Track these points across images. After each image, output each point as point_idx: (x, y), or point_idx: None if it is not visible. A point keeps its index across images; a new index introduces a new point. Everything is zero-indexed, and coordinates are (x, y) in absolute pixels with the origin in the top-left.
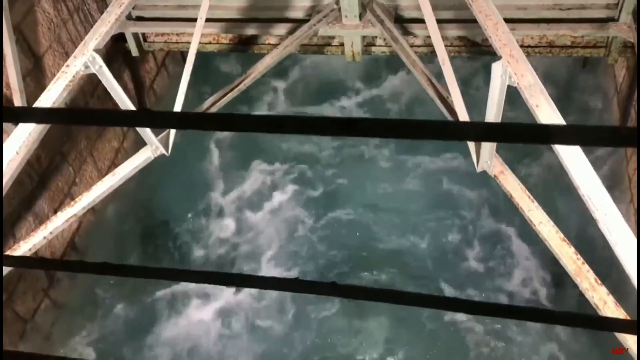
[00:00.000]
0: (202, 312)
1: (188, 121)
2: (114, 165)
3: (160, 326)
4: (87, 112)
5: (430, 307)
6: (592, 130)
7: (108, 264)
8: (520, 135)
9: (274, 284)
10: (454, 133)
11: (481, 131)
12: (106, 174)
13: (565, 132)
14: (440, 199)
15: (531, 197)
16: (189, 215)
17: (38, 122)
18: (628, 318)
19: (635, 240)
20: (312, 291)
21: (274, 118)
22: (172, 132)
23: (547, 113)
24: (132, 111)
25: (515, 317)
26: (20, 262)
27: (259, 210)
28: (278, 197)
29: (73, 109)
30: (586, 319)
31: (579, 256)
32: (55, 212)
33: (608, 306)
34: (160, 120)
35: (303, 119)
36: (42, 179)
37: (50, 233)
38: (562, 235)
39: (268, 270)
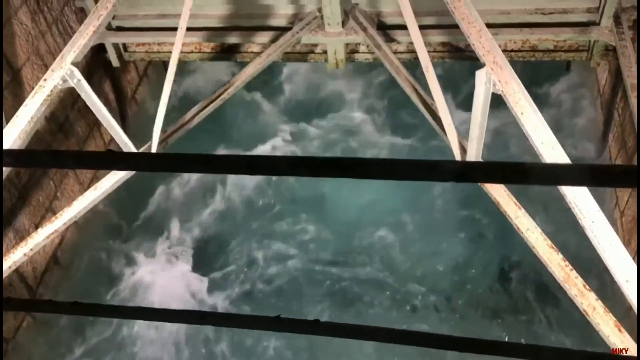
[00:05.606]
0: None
1: (150, 163)
2: (95, 178)
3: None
4: (43, 155)
5: (416, 344)
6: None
7: (79, 303)
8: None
9: (254, 323)
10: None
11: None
12: (88, 187)
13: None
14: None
15: (518, 203)
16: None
17: None
18: (618, 324)
19: (623, 247)
20: (295, 330)
21: (251, 158)
22: (155, 144)
23: (532, 120)
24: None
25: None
26: None
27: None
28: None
29: (30, 151)
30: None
31: (567, 263)
32: (36, 227)
33: (597, 312)
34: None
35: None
36: (22, 194)
37: (31, 250)
38: (549, 242)
39: None
